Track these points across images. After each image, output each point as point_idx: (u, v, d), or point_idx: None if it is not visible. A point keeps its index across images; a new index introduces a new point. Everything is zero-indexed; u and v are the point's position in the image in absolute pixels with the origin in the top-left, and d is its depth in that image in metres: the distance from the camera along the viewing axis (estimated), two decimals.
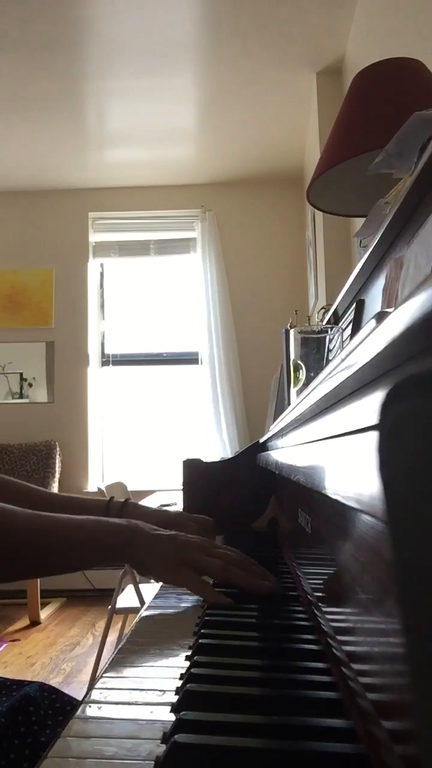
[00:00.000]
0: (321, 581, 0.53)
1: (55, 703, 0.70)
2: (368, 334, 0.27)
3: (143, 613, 0.68)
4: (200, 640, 0.52)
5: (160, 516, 0.93)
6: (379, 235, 0.65)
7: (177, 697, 0.41)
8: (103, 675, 0.48)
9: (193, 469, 1.34)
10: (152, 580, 0.82)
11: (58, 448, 3.90)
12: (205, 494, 1.32)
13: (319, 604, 0.53)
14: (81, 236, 4.19)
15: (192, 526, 0.91)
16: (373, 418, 0.21)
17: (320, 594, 0.53)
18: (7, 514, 0.67)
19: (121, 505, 0.93)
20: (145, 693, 0.44)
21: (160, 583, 0.84)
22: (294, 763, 0.32)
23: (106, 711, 0.41)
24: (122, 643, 0.57)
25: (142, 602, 2.26)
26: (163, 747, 0.34)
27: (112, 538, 0.70)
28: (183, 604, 0.70)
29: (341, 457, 0.31)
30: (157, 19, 2.59)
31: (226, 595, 0.65)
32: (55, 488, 3.79)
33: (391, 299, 0.60)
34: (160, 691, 0.44)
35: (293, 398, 1.05)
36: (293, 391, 1.03)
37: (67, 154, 3.74)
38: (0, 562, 0.66)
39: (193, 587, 0.67)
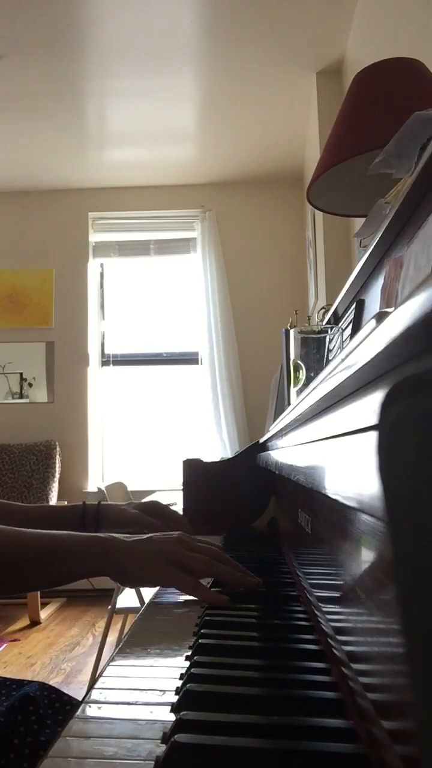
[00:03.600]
0: (321, 581, 0.53)
1: (55, 703, 0.70)
2: (368, 334, 0.27)
3: (143, 612, 0.68)
4: (200, 640, 0.52)
5: (135, 507, 0.95)
6: (379, 235, 0.65)
7: (177, 697, 0.41)
8: (103, 675, 0.48)
9: (193, 469, 1.34)
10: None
11: (58, 448, 3.90)
12: (205, 494, 1.32)
13: (319, 603, 0.53)
14: (81, 236, 4.19)
15: (169, 512, 0.93)
16: (373, 418, 0.21)
17: (320, 594, 0.53)
18: None
19: (96, 507, 0.93)
20: (145, 693, 0.44)
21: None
22: (294, 763, 0.32)
23: (106, 711, 0.41)
24: (122, 642, 0.57)
25: (142, 602, 2.26)
26: (163, 747, 0.34)
27: (87, 550, 0.67)
28: (183, 599, 0.70)
29: (341, 457, 0.31)
30: (157, 19, 2.59)
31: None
32: (55, 488, 3.79)
33: (391, 299, 0.60)
34: (160, 691, 0.44)
35: (293, 398, 1.05)
36: (293, 391, 1.03)
37: (67, 154, 3.74)
38: None
39: (183, 586, 0.65)
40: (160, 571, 0.65)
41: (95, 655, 2.49)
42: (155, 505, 0.97)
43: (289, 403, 1.24)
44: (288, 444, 0.72)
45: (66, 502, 3.89)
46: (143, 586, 0.71)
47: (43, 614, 3.44)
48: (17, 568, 0.66)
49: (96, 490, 3.48)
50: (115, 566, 0.67)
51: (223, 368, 3.96)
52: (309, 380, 0.94)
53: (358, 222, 1.47)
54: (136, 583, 0.69)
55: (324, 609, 0.50)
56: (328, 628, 0.47)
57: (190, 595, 0.66)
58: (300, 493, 0.67)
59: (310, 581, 0.61)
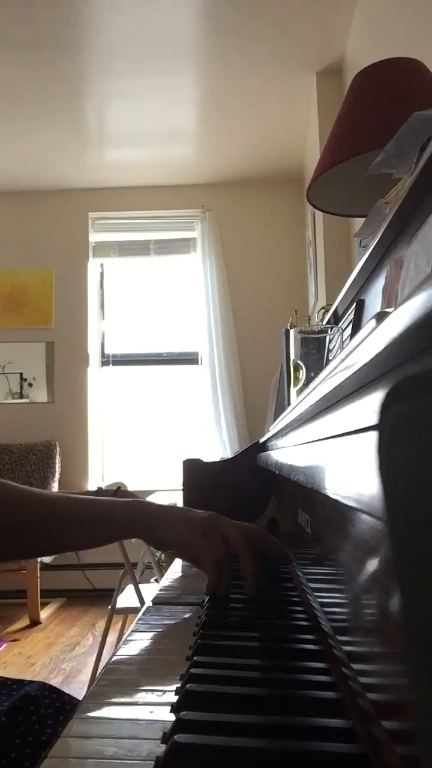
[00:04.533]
0: (321, 581, 0.53)
1: (56, 703, 0.70)
2: (368, 334, 0.27)
3: (142, 613, 0.68)
4: (200, 640, 0.52)
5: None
6: (379, 235, 0.65)
7: (177, 697, 0.41)
8: (103, 675, 0.48)
9: (193, 469, 1.34)
10: (153, 580, 0.81)
11: (58, 448, 3.90)
12: (205, 494, 1.32)
13: (319, 603, 0.53)
14: (81, 236, 4.19)
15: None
16: (373, 418, 0.21)
17: (320, 594, 0.53)
18: (18, 493, 0.69)
19: (112, 494, 0.96)
20: (145, 693, 0.44)
21: (162, 583, 0.84)
22: (294, 763, 0.32)
23: (106, 711, 0.41)
24: (122, 642, 0.57)
25: (142, 602, 2.26)
26: (163, 747, 0.34)
27: (124, 512, 0.70)
28: (185, 598, 0.70)
29: (341, 457, 0.31)
30: (157, 19, 2.59)
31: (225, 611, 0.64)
32: (55, 488, 3.79)
33: (391, 299, 0.60)
34: (160, 691, 0.44)
35: (293, 398, 1.05)
36: (293, 391, 1.03)
37: (67, 154, 3.74)
38: (15, 539, 0.68)
39: (204, 561, 0.65)
40: (189, 537, 0.66)
41: (95, 655, 2.49)
42: None
43: (289, 403, 1.24)
44: (288, 444, 0.72)
45: None
46: (172, 549, 0.72)
47: (43, 614, 3.44)
48: (68, 527, 0.70)
49: (96, 489, 3.48)
50: (147, 528, 0.69)
51: (223, 368, 3.96)
52: (309, 380, 0.94)
53: (358, 222, 1.47)
54: (168, 546, 0.71)
55: (324, 609, 0.50)
56: (328, 628, 0.47)
57: (204, 570, 0.66)
58: (300, 493, 0.67)
59: (310, 581, 0.61)
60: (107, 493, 0.98)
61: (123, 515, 0.70)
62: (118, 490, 0.99)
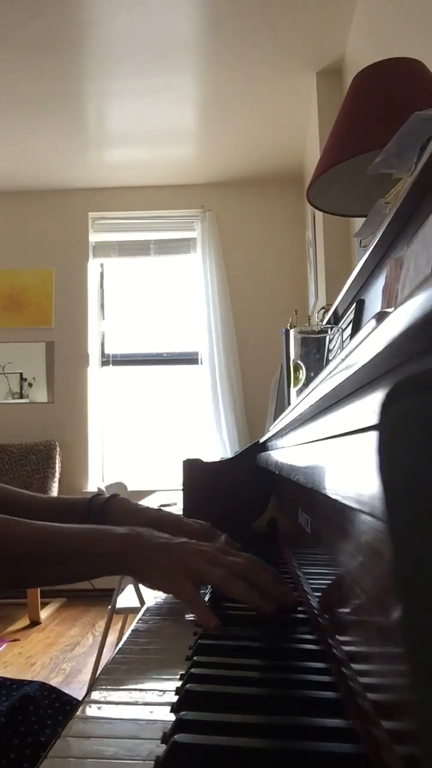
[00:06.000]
0: (321, 581, 0.53)
1: (55, 703, 0.70)
2: (368, 334, 0.27)
3: (143, 613, 0.68)
4: (200, 640, 0.52)
5: (150, 515, 0.87)
6: (379, 235, 0.65)
7: (177, 697, 0.41)
8: (103, 675, 0.48)
9: (193, 469, 1.34)
10: None
11: (58, 448, 3.90)
12: (205, 494, 1.32)
13: (319, 603, 0.53)
14: (81, 236, 4.19)
15: (195, 527, 0.85)
16: (373, 418, 0.21)
17: (320, 594, 0.53)
18: (3, 524, 0.66)
19: (104, 501, 0.88)
20: (145, 693, 0.44)
21: None
22: (294, 763, 0.32)
23: (106, 711, 0.41)
24: (122, 642, 0.57)
25: (142, 602, 2.26)
26: (163, 747, 0.34)
27: (110, 547, 0.66)
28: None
29: (341, 457, 0.31)
30: (157, 19, 2.59)
31: (225, 612, 0.61)
32: (55, 488, 3.79)
33: (391, 299, 0.60)
34: (160, 691, 0.44)
35: (293, 398, 1.05)
36: (293, 391, 1.03)
37: (67, 154, 3.74)
38: None
39: (185, 599, 0.61)
40: (173, 582, 0.62)
41: (95, 655, 2.49)
42: (175, 522, 0.88)
43: (289, 403, 1.24)
44: (288, 444, 0.72)
45: None
46: (157, 590, 0.68)
47: (43, 614, 3.44)
48: (48, 563, 0.66)
49: (96, 490, 3.48)
50: (136, 566, 0.65)
51: (223, 368, 3.96)
52: (309, 380, 0.94)
53: (358, 222, 1.47)
54: (152, 588, 0.66)
55: (323, 609, 0.50)
56: (327, 627, 0.47)
57: (187, 607, 0.63)
58: (300, 493, 0.67)
59: (310, 581, 0.61)
60: (96, 503, 0.91)
61: (109, 550, 0.66)
62: (111, 499, 0.92)
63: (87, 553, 0.66)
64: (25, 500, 0.90)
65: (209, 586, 0.70)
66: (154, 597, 0.75)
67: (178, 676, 0.46)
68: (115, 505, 0.88)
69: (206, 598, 0.68)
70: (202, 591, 0.64)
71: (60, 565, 0.67)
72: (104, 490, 2.58)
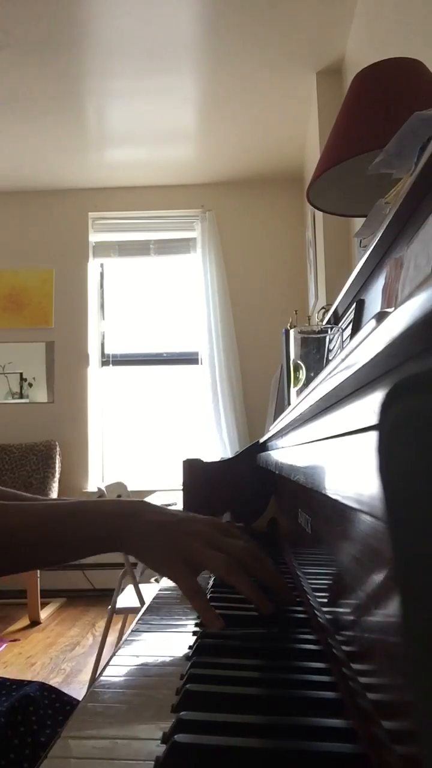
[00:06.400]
0: (321, 581, 0.53)
1: (55, 703, 0.70)
2: (368, 334, 0.27)
3: (142, 613, 0.68)
4: (200, 640, 0.52)
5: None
6: (379, 235, 0.65)
7: (177, 697, 0.41)
8: (103, 675, 0.48)
9: (194, 469, 1.34)
10: (153, 580, 0.76)
11: (58, 448, 3.90)
12: (205, 494, 1.32)
13: (319, 603, 0.53)
14: (81, 236, 4.19)
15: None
16: (373, 418, 0.21)
17: (320, 594, 0.53)
18: None
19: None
20: (145, 693, 0.44)
21: (162, 583, 0.84)
22: (294, 763, 0.32)
23: (106, 711, 0.41)
24: (122, 642, 0.57)
25: (142, 602, 2.26)
26: (163, 747, 0.34)
27: (101, 526, 0.63)
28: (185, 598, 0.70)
29: (341, 457, 0.31)
30: (157, 19, 2.59)
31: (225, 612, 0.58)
32: (55, 488, 3.79)
33: (391, 299, 0.60)
34: (160, 691, 0.44)
35: (293, 398, 1.05)
36: (293, 391, 1.03)
37: (67, 154, 3.74)
38: None
39: (184, 589, 0.58)
40: (170, 566, 0.59)
41: (95, 655, 2.49)
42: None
43: (289, 403, 1.24)
44: (288, 444, 0.72)
45: None
46: (156, 573, 0.65)
47: (43, 614, 3.44)
48: (24, 548, 0.63)
49: (96, 490, 3.48)
50: (131, 544, 0.62)
51: (223, 368, 3.96)
52: (309, 380, 0.94)
53: (358, 222, 1.47)
54: (148, 566, 0.63)
55: (324, 609, 0.50)
56: (327, 627, 0.47)
57: (187, 599, 0.59)
58: (300, 493, 0.67)
59: (309, 581, 0.61)
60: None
61: (101, 531, 0.63)
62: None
63: (77, 533, 0.63)
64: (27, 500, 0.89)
65: (209, 587, 0.70)
66: (154, 597, 0.75)
67: (178, 676, 0.46)
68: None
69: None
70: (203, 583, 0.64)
71: (49, 547, 0.64)
72: (104, 490, 2.58)
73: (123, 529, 0.62)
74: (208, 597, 0.68)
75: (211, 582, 0.74)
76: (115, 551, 0.64)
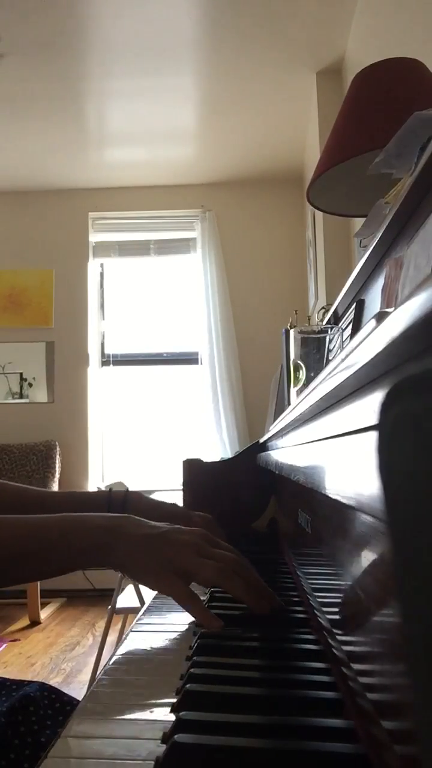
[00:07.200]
0: (321, 581, 0.53)
1: (55, 703, 0.70)
2: (368, 334, 0.27)
3: (142, 613, 0.68)
4: (200, 640, 0.52)
5: (166, 510, 0.85)
6: (379, 235, 0.65)
7: (177, 697, 0.41)
8: (103, 675, 0.48)
9: (194, 469, 1.34)
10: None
11: (58, 448, 3.90)
12: (205, 494, 1.32)
13: (319, 603, 0.53)
14: (81, 236, 4.19)
15: (196, 520, 0.83)
16: (373, 418, 0.21)
17: (320, 594, 0.53)
18: None
19: (123, 497, 0.85)
20: (145, 693, 0.44)
21: None
22: (294, 763, 0.32)
23: (106, 711, 0.41)
24: (122, 642, 0.57)
25: (142, 602, 2.26)
26: (163, 747, 0.34)
27: (91, 539, 0.62)
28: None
29: (341, 457, 0.31)
30: (157, 19, 2.59)
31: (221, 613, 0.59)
32: (55, 488, 3.79)
33: (391, 299, 0.60)
34: (160, 691, 0.44)
35: (293, 398, 1.05)
36: (293, 391, 1.03)
37: (67, 154, 3.74)
38: None
39: (178, 598, 0.58)
40: (159, 578, 0.59)
41: (95, 655, 2.49)
42: (183, 516, 0.86)
43: (289, 403, 1.24)
44: (288, 444, 0.72)
45: None
46: (148, 588, 0.65)
47: (43, 614, 3.44)
48: (14, 560, 0.62)
49: (96, 490, 3.49)
50: (116, 559, 0.62)
51: (223, 368, 3.96)
52: (309, 380, 0.94)
53: (358, 222, 1.47)
54: (137, 581, 0.64)
55: (324, 609, 0.50)
56: (327, 627, 0.47)
57: (183, 608, 0.59)
58: (300, 493, 0.67)
59: (309, 581, 0.61)
60: (116, 500, 0.87)
61: (87, 543, 0.62)
62: (129, 494, 0.89)
63: (66, 545, 0.62)
64: (34, 497, 0.88)
65: (209, 591, 0.70)
66: (154, 596, 0.75)
67: (178, 676, 0.46)
68: (135, 501, 0.85)
69: (204, 600, 0.68)
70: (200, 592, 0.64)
71: (39, 561, 0.63)
72: (104, 489, 2.58)
73: (109, 544, 0.62)
74: (208, 597, 0.68)
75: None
76: (103, 566, 0.63)
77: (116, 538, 0.62)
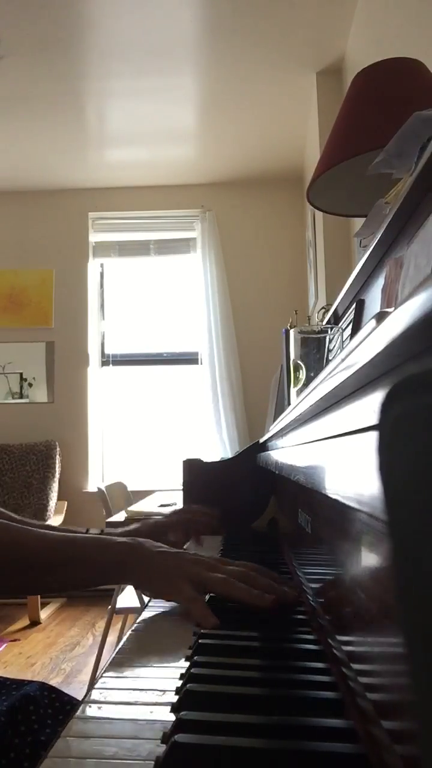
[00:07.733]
0: (321, 581, 0.53)
1: (55, 703, 0.70)
2: (368, 334, 0.27)
3: (140, 616, 0.68)
4: (200, 640, 0.52)
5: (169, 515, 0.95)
6: (379, 235, 0.65)
7: (177, 697, 0.41)
8: (103, 675, 0.48)
9: (194, 469, 1.34)
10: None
11: (58, 448, 3.89)
12: (205, 494, 1.32)
13: (319, 603, 0.53)
14: (81, 236, 4.19)
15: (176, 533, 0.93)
16: (373, 418, 0.21)
17: (320, 594, 0.53)
18: (4, 530, 0.67)
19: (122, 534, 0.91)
20: (145, 693, 0.44)
21: None
22: (294, 763, 0.32)
23: (106, 711, 0.41)
24: (122, 642, 0.57)
25: (142, 602, 2.26)
26: (163, 747, 0.34)
27: (112, 554, 0.67)
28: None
29: (341, 457, 0.31)
30: (157, 19, 2.59)
31: (224, 612, 0.60)
32: (55, 488, 3.79)
33: (391, 299, 0.60)
34: (160, 691, 0.44)
35: (293, 398, 1.05)
36: (293, 391, 1.03)
37: (67, 154, 3.74)
38: None
39: (184, 599, 0.62)
40: (172, 586, 0.63)
41: (95, 655, 2.49)
42: (159, 527, 0.97)
43: (289, 403, 1.24)
44: (288, 444, 0.72)
45: (66, 503, 3.89)
46: (153, 597, 0.69)
47: (43, 614, 3.44)
48: (44, 570, 0.67)
49: (96, 490, 3.48)
50: (135, 574, 0.67)
51: (223, 368, 3.96)
52: (309, 380, 0.94)
53: (358, 222, 1.47)
54: (152, 594, 0.67)
55: (323, 609, 0.50)
56: (328, 628, 0.47)
57: (186, 607, 0.62)
58: (300, 493, 0.67)
59: (309, 581, 0.61)
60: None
61: (108, 558, 0.68)
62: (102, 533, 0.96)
63: (89, 560, 0.68)
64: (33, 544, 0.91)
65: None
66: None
67: (177, 677, 0.46)
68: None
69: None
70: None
71: (62, 572, 0.68)
72: (104, 490, 2.58)
73: (131, 559, 0.67)
74: (208, 598, 0.68)
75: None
76: (121, 582, 0.70)
77: (134, 556, 0.67)
